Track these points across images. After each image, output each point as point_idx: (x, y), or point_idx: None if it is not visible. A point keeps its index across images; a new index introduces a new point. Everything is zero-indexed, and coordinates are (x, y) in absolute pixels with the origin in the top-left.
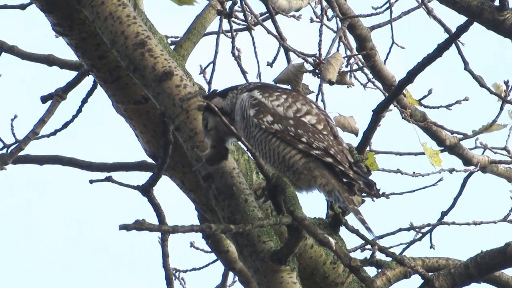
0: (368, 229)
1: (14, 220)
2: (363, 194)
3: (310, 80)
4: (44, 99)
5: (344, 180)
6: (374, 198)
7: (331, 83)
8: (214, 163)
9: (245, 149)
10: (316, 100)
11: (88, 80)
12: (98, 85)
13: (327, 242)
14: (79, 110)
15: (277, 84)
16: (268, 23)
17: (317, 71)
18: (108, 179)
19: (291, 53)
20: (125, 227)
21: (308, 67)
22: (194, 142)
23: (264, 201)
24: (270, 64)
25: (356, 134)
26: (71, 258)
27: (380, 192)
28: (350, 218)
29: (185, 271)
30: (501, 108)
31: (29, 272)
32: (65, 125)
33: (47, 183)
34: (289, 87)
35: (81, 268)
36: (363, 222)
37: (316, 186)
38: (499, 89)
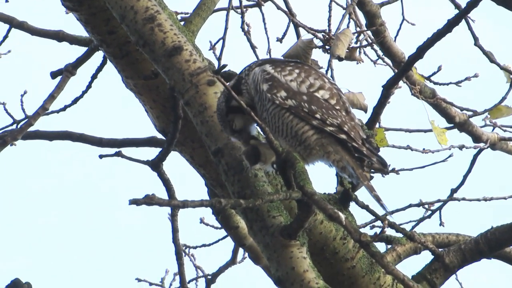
0: (382, 206)
1: (24, 196)
2: (372, 171)
3: (319, 56)
4: (53, 75)
5: (356, 155)
6: (384, 174)
7: (340, 59)
8: (255, 161)
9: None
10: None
11: (98, 56)
12: (108, 61)
13: (337, 217)
14: (88, 86)
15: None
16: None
17: (326, 47)
18: (118, 154)
19: (300, 29)
20: (135, 201)
21: (318, 42)
22: (203, 116)
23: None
24: (280, 40)
25: (365, 111)
26: (80, 234)
27: (390, 168)
28: (360, 194)
29: (195, 247)
30: (511, 86)
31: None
32: (75, 101)
33: (57, 159)
34: None
35: (91, 243)
36: (378, 199)
37: (329, 162)
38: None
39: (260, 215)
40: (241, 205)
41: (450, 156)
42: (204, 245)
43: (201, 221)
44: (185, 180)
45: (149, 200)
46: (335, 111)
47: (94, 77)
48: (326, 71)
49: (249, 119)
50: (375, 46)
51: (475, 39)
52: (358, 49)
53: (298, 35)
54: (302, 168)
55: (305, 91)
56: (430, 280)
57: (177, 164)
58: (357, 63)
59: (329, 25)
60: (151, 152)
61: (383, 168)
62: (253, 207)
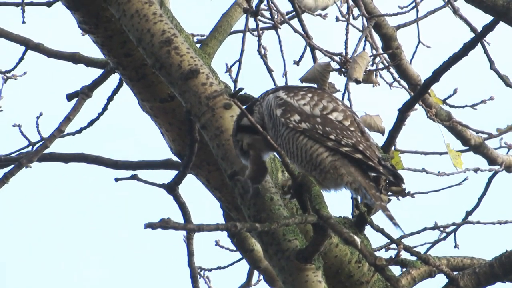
0: (396, 225)
1: (39, 218)
2: (389, 193)
3: (336, 79)
4: (69, 97)
5: (372, 175)
6: (400, 197)
7: (357, 82)
8: (258, 181)
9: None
10: (343, 98)
11: (114, 78)
12: (124, 83)
13: (352, 241)
14: (104, 108)
15: (303, 83)
16: (294, 22)
17: (343, 69)
18: (134, 177)
19: (317, 52)
20: (150, 225)
21: (334, 65)
22: (219, 140)
23: (291, 198)
24: (297, 63)
25: (383, 133)
26: (93, 258)
27: (406, 191)
28: (376, 217)
29: (210, 270)
30: None
31: (51, 268)
32: (91, 123)
33: (72, 182)
34: (315, 85)
35: (106, 266)
36: (391, 218)
37: (343, 184)
38: None
39: (276, 239)
40: (257, 229)
41: (465, 179)
42: (219, 268)
43: (216, 243)
44: (200, 203)
45: (165, 224)
46: (349, 131)
47: (110, 99)
48: (343, 94)
49: (258, 140)
50: (391, 69)
51: (491, 62)
52: (374, 72)
53: (314, 58)
54: (317, 192)
55: (318, 114)
56: None
57: (192, 187)
58: (373, 86)
59: (345, 48)
60: (167, 175)
61: (399, 184)
62: (269, 230)
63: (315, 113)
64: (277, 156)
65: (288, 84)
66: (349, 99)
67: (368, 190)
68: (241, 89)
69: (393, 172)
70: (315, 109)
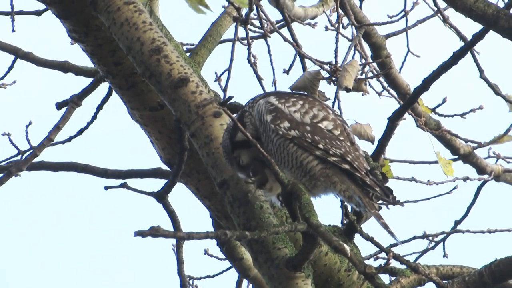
0: (391, 233)
1: (28, 227)
2: (379, 202)
3: (325, 88)
4: (59, 106)
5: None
6: (389, 206)
7: (348, 90)
8: (260, 185)
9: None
10: (333, 107)
11: (103, 87)
12: (113, 92)
13: (342, 249)
14: (94, 117)
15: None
16: (284, 31)
17: (333, 78)
18: (123, 185)
19: (306, 61)
20: (140, 233)
21: (324, 74)
22: (209, 148)
23: (281, 205)
24: (287, 71)
25: (373, 142)
26: (85, 265)
27: (395, 200)
28: (365, 226)
29: (199, 279)
30: None
31: (42, 278)
32: (80, 132)
33: (61, 190)
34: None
35: (96, 274)
36: (385, 226)
37: (335, 193)
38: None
39: (266, 247)
40: (247, 237)
41: (454, 188)
42: (208, 276)
43: (206, 252)
44: (190, 212)
45: (155, 232)
46: (338, 141)
47: (99, 108)
48: (333, 103)
49: (255, 153)
50: (381, 78)
51: (481, 71)
52: (364, 80)
53: (304, 66)
54: (307, 200)
55: (308, 122)
56: None
57: (182, 196)
58: (363, 95)
59: (335, 57)
60: (156, 184)
61: (386, 197)
62: (259, 239)
63: (305, 121)
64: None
65: (279, 90)
66: (339, 107)
67: (362, 198)
68: (230, 98)
69: (382, 184)
70: (305, 117)
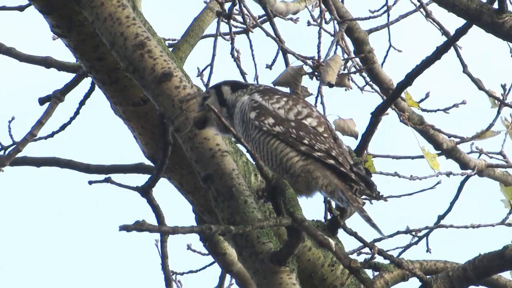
0: (374, 226)
1: (12, 222)
2: (363, 197)
3: (308, 83)
4: (41, 101)
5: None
6: (373, 201)
7: (330, 85)
8: (201, 127)
9: (244, 151)
10: (316, 102)
11: (86, 82)
12: (96, 87)
13: (327, 244)
14: (76, 112)
15: (276, 87)
16: (266, 26)
17: (316, 73)
18: (107, 180)
19: (289, 56)
20: (125, 227)
21: (307, 69)
22: (193, 143)
23: (265, 202)
24: (269, 67)
25: (356, 137)
26: (69, 260)
27: (379, 194)
28: (348, 221)
29: (182, 274)
30: (498, 112)
31: (25, 274)
32: (63, 127)
33: (44, 185)
34: (288, 89)
35: (79, 269)
36: (368, 219)
37: (318, 188)
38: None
39: (250, 241)
40: (231, 231)
41: (438, 183)
42: (191, 272)
43: (188, 247)
44: (173, 207)
45: (140, 226)
46: (323, 137)
47: (82, 103)
48: (316, 98)
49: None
50: (363, 73)
51: (464, 66)
52: (347, 76)
53: (286, 61)
54: (291, 195)
55: (292, 118)
56: None
57: (165, 191)
58: (346, 90)
59: (318, 52)
60: (139, 179)
61: (370, 191)
62: (243, 233)
63: (290, 118)
64: (251, 160)
65: (265, 86)
66: (322, 102)
67: (345, 192)
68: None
69: (365, 179)
70: (290, 114)
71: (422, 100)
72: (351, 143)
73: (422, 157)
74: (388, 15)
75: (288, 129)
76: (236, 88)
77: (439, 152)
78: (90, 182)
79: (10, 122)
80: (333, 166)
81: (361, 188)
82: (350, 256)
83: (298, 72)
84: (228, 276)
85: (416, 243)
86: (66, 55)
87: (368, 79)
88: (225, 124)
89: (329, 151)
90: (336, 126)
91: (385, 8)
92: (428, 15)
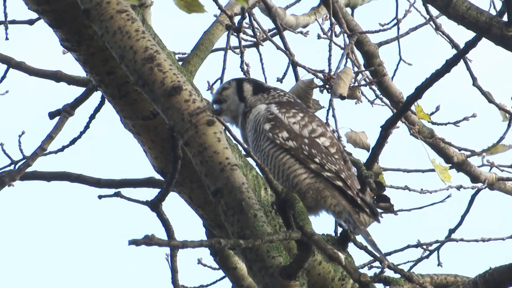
0: (378, 251)
1: (23, 237)
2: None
3: (319, 96)
4: (51, 115)
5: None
6: (383, 215)
7: (342, 97)
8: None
9: (254, 164)
10: (327, 115)
11: (96, 96)
12: (106, 101)
13: (336, 258)
14: (86, 126)
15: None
16: (276, 39)
17: (326, 86)
18: (117, 194)
19: (299, 69)
20: (134, 242)
21: (318, 82)
22: (203, 156)
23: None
24: (280, 80)
25: (368, 150)
26: (79, 274)
27: (393, 208)
28: (357, 235)
29: None
30: (509, 125)
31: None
32: (73, 141)
33: (54, 200)
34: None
35: (90, 284)
36: (373, 244)
37: (326, 207)
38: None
39: (260, 256)
40: (241, 245)
41: (448, 196)
42: (202, 286)
43: (199, 261)
44: (183, 221)
45: (149, 240)
46: (334, 158)
47: (92, 117)
48: (327, 111)
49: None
50: (373, 86)
51: (474, 79)
52: (358, 88)
53: (296, 75)
54: (301, 208)
55: (306, 135)
56: None
57: (175, 205)
58: (356, 103)
59: (329, 65)
60: (149, 193)
61: (374, 218)
62: (253, 247)
63: (304, 134)
64: (260, 173)
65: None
66: (333, 115)
67: (352, 215)
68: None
69: (371, 207)
70: (304, 130)
71: (432, 113)
72: (361, 156)
73: (432, 170)
74: (398, 28)
75: (301, 145)
76: (258, 91)
77: (450, 165)
78: (100, 197)
79: (20, 136)
80: (341, 188)
81: (376, 200)
82: (360, 270)
83: (309, 85)
84: None
85: (427, 257)
86: (76, 69)
87: (378, 92)
88: (236, 138)
89: (338, 172)
90: (348, 139)
91: (395, 21)
92: (437, 28)
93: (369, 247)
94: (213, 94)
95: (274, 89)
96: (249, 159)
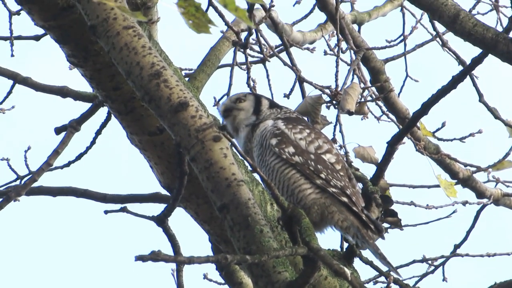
0: (388, 264)
1: (28, 252)
2: (385, 224)
3: (326, 112)
4: (58, 131)
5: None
6: (389, 230)
7: (350, 113)
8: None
9: (260, 180)
10: (334, 131)
11: (102, 112)
12: (112, 117)
13: (342, 273)
14: (93, 142)
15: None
16: (283, 56)
17: (334, 102)
18: (123, 209)
19: (306, 85)
20: (141, 258)
21: (325, 98)
22: (209, 172)
23: (281, 229)
24: (287, 96)
25: (376, 164)
26: None
27: (401, 223)
28: (364, 250)
29: None
30: None
31: None
32: (79, 157)
33: (61, 215)
34: (307, 119)
35: None
36: (383, 258)
37: (333, 223)
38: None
39: (266, 271)
40: (247, 261)
41: (454, 212)
42: None
43: (205, 277)
44: (189, 236)
45: (155, 256)
46: (339, 175)
47: (98, 133)
48: (335, 126)
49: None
50: (380, 102)
51: (480, 95)
52: (365, 104)
53: (303, 91)
54: (307, 224)
55: (313, 151)
56: None
57: (181, 220)
58: (363, 118)
59: (336, 80)
60: (155, 208)
61: (378, 235)
62: (259, 262)
63: (310, 150)
64: (266, 189)
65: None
66: (341, 131)
67: (361, 229)
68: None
69: (375, 223)
70: (310, 146)
71: (438, 130)
72: (369, 171)
73: (438, 186)
74: (405, 45)
75: (307, 160)
76: (272, 105)
77: (456, 181)
78: (106, 212)
79: (26, 151)
80: (347, 204)
81: (383, 214)
82: (366, 285)
83: (317, 101)
84: None
85: (432, 272)
86: (82, 85)
87: (384, 108)
88: (241, 153)
89: (343, 188)
90: (356, 154)
91: (402, 37)
92: (444, 45)
93: (379, 261)
94: (225, 101)
95: (285, 107)
96: (255, 174)
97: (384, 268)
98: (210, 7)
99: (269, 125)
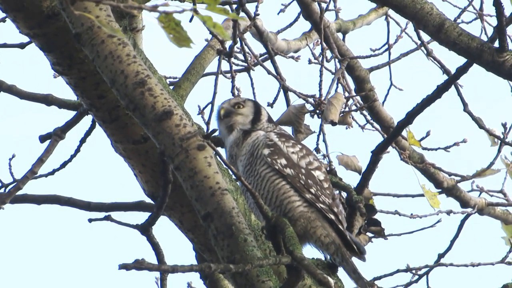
0: (365, 284)
1: (12, 260)
2: (369, 233)
3: (309, 121)
4: (42, 139)
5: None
6: (378, 237)
7: (333, 123)
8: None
9: (243, 189)
10: (317, 140)
11: (87, 120)
12: (97, 125)
13: (326, 282)
14: (77, 150)
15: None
16: (267, 64)
17: (317, 111)
18: (107, 218)
19: (290, 94)
20: (124, 266)
21: (309, 107)
22: (193, 181)
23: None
24: (271, 105)
25: (360, 173)
26: None
27: (384, 233)
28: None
29: None
30: (499, 150)
31: None
32: (64, 165)
33: (45, 223)
34: (290, 128)
35: None
36: (360, 278)
37: (314, 238)
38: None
39: (250, 280)
40: (231, 270)
41: (438, 221)
42: None
43: (189, 285)
44: (173, 244)
45: (139, 265)
46: (327, 192)
47: (82, 141)
48: (318, 136)
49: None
50: (364, 111)
51: (464, 104)
52: (349, 114)
53: (287, 100)
54: (291, 233)
55: (304, 166)
56: None
57: (165, 229)
58: (347, 128)
59: (320, 90)
60: (139, 217)
61: (359, 255)
62: (243, 271)
63: (301, 164)
64: (248, 198)
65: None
66: (324, 140)
67: (341, 248)
68: (214, 131)
69: (358, 244)
70: (302, 161)
71: (422, 139)
72: (353, 179)
73: (422, 195)
74: (389, 54)
75: (298, 174)
76: (270, 120)
77: (440, 190)
78: (90, 220)
79: (10, 159)
80: (331, 221)
81: (367, 224)
82: None
83: (300, 110)
84: None
85: (416, 281)
86: (67, 93)
87: (369, 117)
88: (225, 162)
89: (331, 206)
90: (339, 161)
91: (386, 46)
92: (429, 54)
93: (354, 283)
94: (223, 104)
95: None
96: (239, 183)
97: (368, 277)
98: (195, 17)
99: (261, 135)
